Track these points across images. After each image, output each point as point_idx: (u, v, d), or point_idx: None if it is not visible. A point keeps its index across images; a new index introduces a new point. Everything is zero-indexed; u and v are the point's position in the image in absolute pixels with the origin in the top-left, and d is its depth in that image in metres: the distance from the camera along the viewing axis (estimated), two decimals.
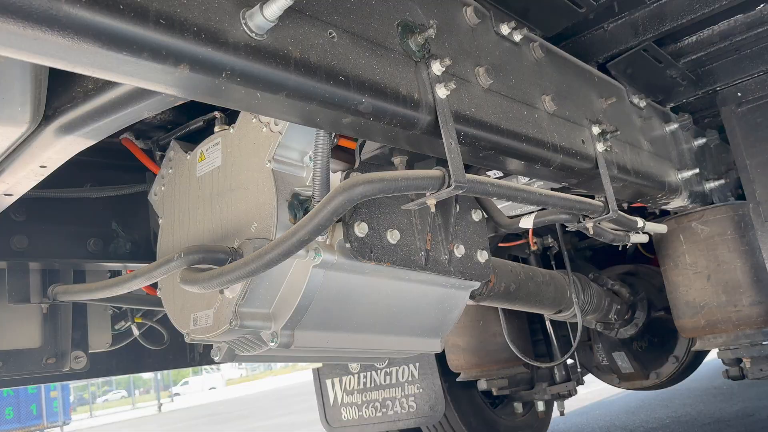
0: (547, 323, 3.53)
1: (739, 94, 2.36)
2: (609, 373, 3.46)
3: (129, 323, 2.28)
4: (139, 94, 0.94)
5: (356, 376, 3.69)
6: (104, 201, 2.06)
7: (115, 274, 2.13)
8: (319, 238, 1.44)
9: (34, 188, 1.76)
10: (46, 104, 0.94)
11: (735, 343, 2.36)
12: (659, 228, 2.27)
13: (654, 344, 3.31)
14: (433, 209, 1.29)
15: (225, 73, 0.87)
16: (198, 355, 3.49)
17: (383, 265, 1.50)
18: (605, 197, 1.72)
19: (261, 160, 1.47)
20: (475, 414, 3.73)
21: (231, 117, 1.67)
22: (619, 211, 1.80)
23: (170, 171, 1.76)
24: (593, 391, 5.90)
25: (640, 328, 3.17)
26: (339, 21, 1.06)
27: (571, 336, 3.59)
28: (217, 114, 1.68)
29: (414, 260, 1.57)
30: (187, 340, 1.55)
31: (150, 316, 2.32)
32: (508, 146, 1.42)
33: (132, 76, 0.81)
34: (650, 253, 3.86)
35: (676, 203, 2.35)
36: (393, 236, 1.53)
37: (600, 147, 1.76)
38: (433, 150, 1.29)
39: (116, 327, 2.32)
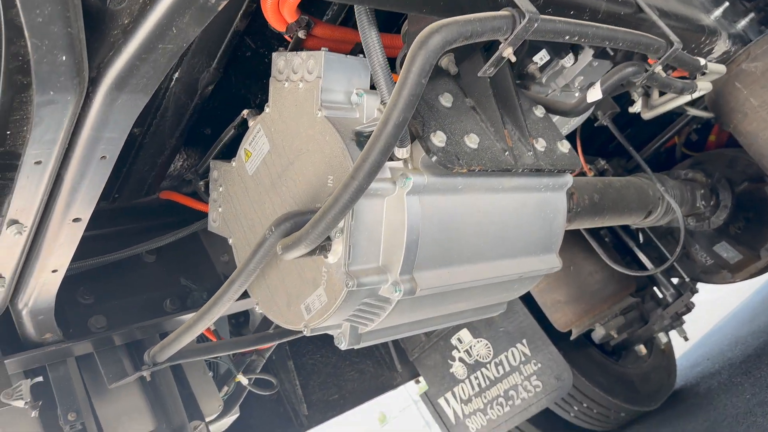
0: (639, 252, 3.33)
1: None
2: (718, 271, 3.22)
3: (232, 384, 2.13)
4: (178, 6, 0.84)
5: (467, 381, 3.46)
6: (165, 264, 1.96)
7: None
8: (400, 164, 1.33)
9: (90, 259, 1.66)
10: (89, 64, 0.85)
11: None
12: (718, 68, 2.13)
13: (752, 220, 3.09)
14: (512, 58, 1.16)
15: None
16: (305, 418, 3.30)
17: (475, 170, 1.37)
18: (663, 34, 1.60)
19: (310, 115, 1.37)
20: (601, 372, 3.48)
21: (259, 108, 1.58)
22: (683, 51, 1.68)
23: (221, 189, 1.66)
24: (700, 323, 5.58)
25: (731, 208, 2.97)
26: None
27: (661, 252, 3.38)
28: (244, 112, 1.59)
29: (502, 160, 1.44)
30: (307, 333, 1.41)
31: (250, 371, 2.16)
32: None
33: None
34: (695, 151, 3.71)
35: (719, 47, 2.22)
36: (472, 140, 1.40)
37: None
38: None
39: (221, 395, 2.17)
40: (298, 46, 1.43)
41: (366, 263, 1.33)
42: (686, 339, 3.63)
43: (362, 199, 1.28)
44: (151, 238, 1.91)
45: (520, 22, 1.08)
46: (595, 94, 1.66)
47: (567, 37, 1.23)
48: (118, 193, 1.95)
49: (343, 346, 1.47)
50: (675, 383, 3.86)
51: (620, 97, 2.83)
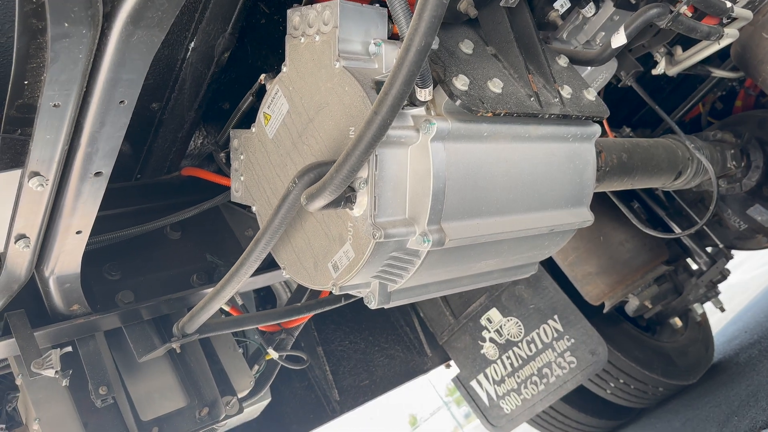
0: (667, 219, 3.26)
1: None
2: (753, 236, 3.12)
3: (263, 363, 2.11)
4: None
5: (498, 362, 3.40)
6: (190, 240, 1.95)
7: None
8: (422, 111, 1.29)
9: (112, 233, 1.66)
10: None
11: None
12: (745, 13, 2.06)
13: None
14: None
15: None
16: (336, 404, 3.27)
17: (501, 114, 1.33)
18: None
19: (328, 67, 1.34)
20: (637, 346, 3.40)
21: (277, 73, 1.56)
22: None
23: (242, 157, 1.64)
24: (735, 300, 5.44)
25: (763, 168, 2.88)
26: None
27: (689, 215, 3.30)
28: (262, 77, 1.57)
29: (528, 105, 1.40)
30: (336, 291, 1.38)
31: (280, 348, 2.14)
32: None
33: None
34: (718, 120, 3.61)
35: None
36: (495, 85, 1.36)
37: None
38: None
39: (253, 373, 2.15)
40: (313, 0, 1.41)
41: (393, 215, 1.29)
42: (723, 310, 3.53)
43: (385, 148, 1.26)
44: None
45: None
46: (619, 39, 1.61)
47: None
48: (140, 173, 1.94)
49: (373, 305, 1.44)
50: (713, 356, 3.76)
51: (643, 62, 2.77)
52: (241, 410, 1.84)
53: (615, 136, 2.96)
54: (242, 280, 1.38)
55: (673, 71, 2.32)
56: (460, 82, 1.28)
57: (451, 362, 3.74)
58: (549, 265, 3.30)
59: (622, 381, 3.36)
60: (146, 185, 1.93)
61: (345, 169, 1.10)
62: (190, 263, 1.85)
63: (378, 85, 1.30)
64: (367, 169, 1.25)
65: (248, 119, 1.70)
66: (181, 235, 1.90)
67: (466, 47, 1.41)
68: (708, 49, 2.05)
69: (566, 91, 1.53)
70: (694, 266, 3.54)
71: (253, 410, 2.52)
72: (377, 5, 1.38)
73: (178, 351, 1.65)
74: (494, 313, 3.41)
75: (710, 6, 1.69)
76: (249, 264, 1.34)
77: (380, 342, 3.67)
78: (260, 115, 1.56)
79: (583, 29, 2.03)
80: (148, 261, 1.80)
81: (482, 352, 3.48)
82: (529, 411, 3.32)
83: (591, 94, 1.60)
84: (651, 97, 3.87)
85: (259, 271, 1.72)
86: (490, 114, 1.30)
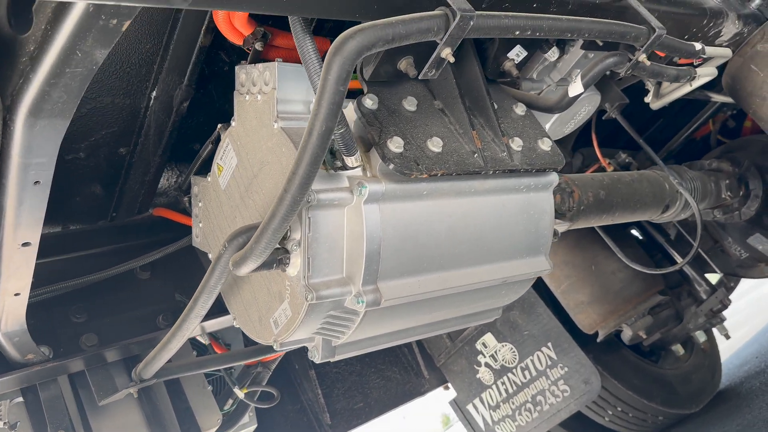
0: (669, 247, 3.20)
1: None
2: (755, 265, 3.03)
3: (236, 399, 2.14)
4: (79, 30, 0.84)
5: (494, 387, 3.37)
6: (159, 280, 1.99)
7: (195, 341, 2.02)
8: (359, 172, 1.30)
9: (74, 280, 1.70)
10: (2, 92, 0.86)
11: None
12: (721, 51, 2.01)
13: None
14: (451, 59, 1.12)
15: None
16: (328, 428, 3.29)
17: (437, 175, 1.32)
18: (643, 19, 1.51)
19: (269, 127, 1.36)
20: (636, 374, 3.33)
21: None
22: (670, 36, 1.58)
23: (200, 205, 1.67)
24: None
25: (762, 197, 2.79)
26: None
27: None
28: (219, 127, 1.59)
29: (470, 162, 1.39)
30: (276, 348, 1.39)
31: (255, 383, 2.16)
32: None
33: None
34: (732, 139, 3.50)
35: (729, 30, 2.09)
36: (435, 144, 1.36)
37: None
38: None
39: (225, 408, 2.18)
40: (258, 57, 1.42)
41: (329, 275, 1.30)
42: (728, 337, 3.44)
43: (319, 210, 1.27)
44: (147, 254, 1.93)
45: (454, 21, 1.03)
46: (576, 88, 1.59)
47: (517, 33, 1.18)
48: (115, 211, 1.99)
49: (316, 359, 1.45)
50: (719, 383, 3.66)
51: (635, 89, 2.71)
52: None
53: (609, 163, 2.91)
54: (186, 334, 1.41)
55: (656, 105, 2.27)
56: (394, 145, 1.28)
57: (450, 384, 3.73)
58: (544, 291, 3.26)
59: (620, 409, 3.30)
60: (119, 226, 1.97)
61: (262, 242, 1.11)
62: (158, 303, 1.88)
63: None
64: (299, 231, 1.26)
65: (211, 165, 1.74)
66: (150, 275, 1.94)
67: (410, 104, 1.41)
68: (700, 79, 2.00)
69: (516, 144, 1.51)
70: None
71: None
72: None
73: (135, 396, 1.68)
74: (489, 338, 3.38)
75: (675, 50, 1.65)
76: (189, 320, 1.37)
77: (377, 363, 3.67)
78: (214, 166, 1.58)
79: (556, 67, 2.00)
80: (116, 302, 1.84)
81: (478, 376, 3.46)
82: None
83: (546, 144, 1.58)
84: (660, 117, 3.80)
85: (211, 317, 1.75)
86: (425, 175, 1.30)
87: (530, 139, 1.56)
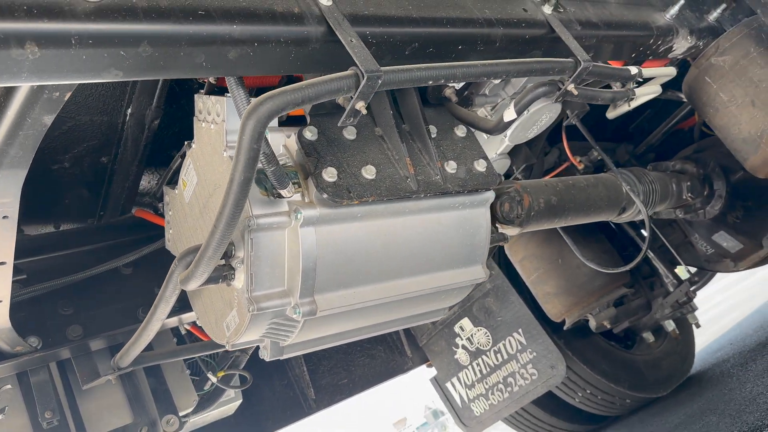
0: (639, 240, 3.33)
1: None
2: (720, 260, 3.15)
3: (215, 381, 2.35)
4: (26, 103, 1.00)
5: (470, 367, 3.57)
6: (141, 276, 2.18)
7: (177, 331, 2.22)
8: (297, 198, 1.46)
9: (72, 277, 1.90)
10: None
11: None
12: (664, 71, 2.11)
13: (751, 208, 3.00)
14: (363, 111, 1.27)
15: (73, 39, 0.92)
16: (313, 402, 3.52)
17: (368, 201, 1.48)
18: (571, 52, 1.63)
19: (220, 154, 1.52)
20: (606, 359, 3.50)
21: None
22: (599, 63, 1.70)
23: (170, 213, 1.85)
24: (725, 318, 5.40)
25: (726, 197, 2.89)
26: None
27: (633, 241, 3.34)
28: (186, 144, 1.76)
29: (401, 188, 1.54)
30: (229, 348, 1.58)
31: (233, 366, 2.38)
32: (430, 34, 1.40)
33: None
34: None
35: (680, 45, 2.18)
36: (369, 172, 1.51)
37: (548, 10, 1.69)
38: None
39: (205, 389, 2.40)
40: (213, 89, 1.58)
41: (271, 287, 1.48)
42: (698, 326, 3.58)
43: (260, 232, 1.43)
44: (131, 252, 2.13)
45: (363, 81, 1.18)
46: (510, 114, 1.72)
47: (430, 82, 1.31)
48: (102, 211, 2.18)
49: (266, 358, 1.64)
50: (690, 369, 3.82)
51: None
52: (181, 426, 2.09)
53: (579, 162, 3.02)
54: (151, 334, 1.60)
55: (611, 115, 2.38)
56: (328, 175, 1.44)
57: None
58: (517, 279, 3.42)
59: (588, 392, 3.48)
60: (107, 225, 2.17)
61: (201, 266, 1.28)
62: (139, 297, 2.08)
63: (259, 173, 1.47)
64: (243, 250, 1.43)
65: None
66: (132, 271, 2.13)
67: (349, 133, 1.55)
68: (640, 99, 2.11)
69: (451, 167, 1.66)
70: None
71: (225, 410, 2.80)
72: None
73: (114, 382, 1.89)
74: (466, 322, 3.56)
75: (609, 78, 1.77)
76: (152, 324, 1.56)
77: (363, 342, 3.88)
78: (180, 180, 1.75)
79: (510, 82, 2.13)
80: (101, 296, 2.04)
81: (456, 357, 3.65)
82: (495, 415, 3.49)
83: (481, 166, 1.71)
84: (645, 109, 3.86)
85: (189, 309, 1.95)
86: (356, 202, 1.46)
87: (466, 161, 1.70)
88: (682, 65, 2.55)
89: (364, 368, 3.79)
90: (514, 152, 2.79)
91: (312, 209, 1.43)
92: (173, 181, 1.90)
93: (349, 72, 1.18)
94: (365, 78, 1.17)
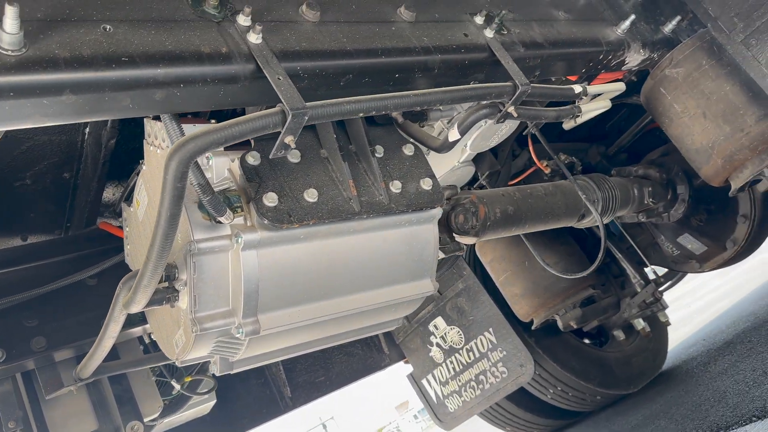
0: (606, 241, 3.38)
1: None
2: (686, 262, 3.21)
3: (179, 388, 2.42)
4: None
5: (443, 365, 3.65)
6: (106, 286, 2.24)
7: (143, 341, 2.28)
8: (239, 221, 1.51)
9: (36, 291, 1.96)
10: None
11: (761, 167, 2.15)
12: (612, 87, 2.15)
13: (713, 212, 3.05)
14: (292, 144, 1.31)
15: None
16: (289, 400, 3.60)
17: (309, 224, 1.53)
18: (510, 75, 1.67)
19: None
20: (576, 357, 3.57)
21: None
22: (539, 84, 1.74)
23: (128, 229, 1.90)
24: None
25: (689, 201, 2.94)
26: (113, 15, 1.14)
27: (601, 245, 3.39)
28: (141, 161, 1.80)
29: (343, 210, 1.59)
30: (178, 364, 1.64)
31: (202, 371, 2.44)
32: (365, 65, 1.44)
33: None
34: None
35: (633, 59, 2.22)
36: (311, 195, 1.56)
37: (489, 33, 1.73)
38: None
39: (173, 393, 2.47)
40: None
41: (215, 308, 1.53)
42: (668, 324, 3.65)
43: (203, 256, 1.49)
44: (97, 263, 2.19)
45: (289, 117, 1.22)
46: (453, 135, 1.77)
47: (361, 114, 1.36)
48: (68, 223, 2.24)
49: (216, 372, 1.70)
50: (661, 366, 3.89)
51: None
52: (147, 431, 2.16)
53: (546, 166, 3.07)
54: (106, 349, 1.66)
55: (568, 126, 2.42)
56: (269, 200, 1.49)
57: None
58: (490, 280, 3.48)
59: (559, 388, 3.56)
60: (73, 237, 2.22)
61: (138, 293, 1.34)
62: (103, 308, 2.12)
63: (199, 204, 1.51)
64: (186, 272, 1.49)
65: None
66: (97, 281, 2.19)
67: (293, 157, 1.60)
68: (587, 115, 2.15)
69: (396, 186, 1.70)
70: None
71: (199, 410, 2.87)
72: (213, 121, 1.58)
73: (75, 392, 1.96)
74: (440, 321, 3.64)
75: (551, 97, 1.81)
76: (104, 341, 1.62)
77: None
78: (134, 199, 1.80)
79: None
80: (66, 307, 2.10)
81: (430, 354, 3.74)
82: (468, 412, 3.58)
83: (427, 184, 1.76)
84: (621, 109, 3.89)
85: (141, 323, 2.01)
86: (297, 225, 1.51)
87: (412, 180, 1.75)
88: (645, 73, 2.58)
89: (341, 365, 3.86)
90: (479, 159, 2.84)
91: (253, 233, 1.48)
92: (131, 198, 1.95)
93: (275, 109, 1.23)
94: (291, 115, 1.22)
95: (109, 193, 2.25)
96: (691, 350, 4.02)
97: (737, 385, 2.23)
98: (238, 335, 1.53)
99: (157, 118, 1.63)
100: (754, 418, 1.74)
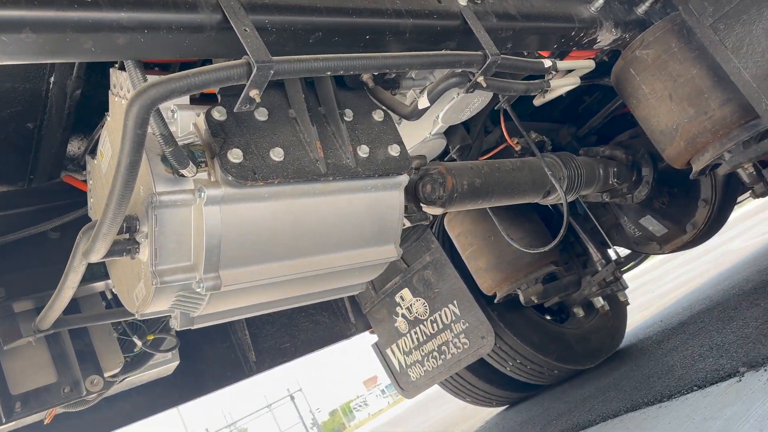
0: (570, 218, 3.44)
1: None
2: (647, 243, 3.29)
3: (141, 346, 2.42)
4: None
5: (408, 335, 3.71)
6: (69, 240, 2.21)
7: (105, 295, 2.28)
8: (203, 176, 1.50)
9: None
10: None
11: (721, 151, 2.21)
12: (582, 64, 2.18)
13: (676, 195, 3.13)
14: (257, 98, 1.31)
15: None
16: (253, 364, 3.63)
17: (274, 183, 1.54)
18: (481, 45, 1.68)
19: None
20: (536, 332, 3.66)
21: None
22: (509, 56, 1.76)
23: (91, 182, 1.88)
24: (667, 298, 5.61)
25: (653, 183, 3.01)
26: None
27: (561, 223, 3.46)
28: (106, 113, 1.78)
29: (309, 171, 1.60)
30: (138, 317, 1.65)
31: (166, 330, 2.45)
32: (335, 23, 1.44)
33: None
34: None
35: (605, 38, 2.25)
36: (277, 154, 1.56)
37: (463, 2, 1.73)
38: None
39: (134, 350, 2.47)
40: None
41: (176, 262, 1.53)
42: (627, 303, 3.75)
43: (165, 209, 1.48)
44: (59, 216, 2.17)
45: (254, 70, 1.22)
46: (423, 102, 1.78)
47: (329, 72, 1.36)
48: (32, 175, 2.20)
49: (176, 327, 1.71)
50: (619, 344, 4.01)
51: None
52: (106, 386, 2.16)
53: (516, 143, 3.10)
54: (64, 301, 1.66)
55: (538, 102, 2.45)
56: (233, 156, 1.49)
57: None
58: (457, 255, 3.53)
59: (518, 361, 3.64)
60: (36, 189, 2.19)
61: (98, 241, 1.34)
62: (65, 262, 2.12)
63: (162, 156, 1.50)
64: (147, 224, 1.48)
65: None
66: (60, 235, 2.17)
67: (261, 115, 1.60)
68: (556, 91, 2.18)
69: (363, 151, 1.71)
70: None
71: (163, 370, 2.88)
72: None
73: (34, 344, 1.95)
74: (406, 293, 3.68)
75: (521, 70, 1.83)
76: (64, 291, 1.61)
77: (308, 308, 3.99)
78: (98, 151, 1.79)
79: None
80: (27, 259, 2.08)
81: (396, 325, 3.79)
82: (430, 381, 3.65)
83: (395, 150, 1.78)
84: (588, 93, 3.93)
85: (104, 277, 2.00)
86: (261, 183, 1.51)
87: (380, 146, 1.76)
88: (616, 54, 2.62)
89: (307, 333, 3.90)
90: (451, 132, 2.86)
91: (216, 188, 1.48)
92: (95, 151, 1.93)
93: (240, 61, 1.22)
94: (256, 68, 1.21)
95: (74, 147, 2.21)
96: (648, 330, 4.14)
97: (684, 359, 2.32)
98: (198, 290, 1.53)
99: (123, 68, 1.61)
100: (695, 388, 1.82)
